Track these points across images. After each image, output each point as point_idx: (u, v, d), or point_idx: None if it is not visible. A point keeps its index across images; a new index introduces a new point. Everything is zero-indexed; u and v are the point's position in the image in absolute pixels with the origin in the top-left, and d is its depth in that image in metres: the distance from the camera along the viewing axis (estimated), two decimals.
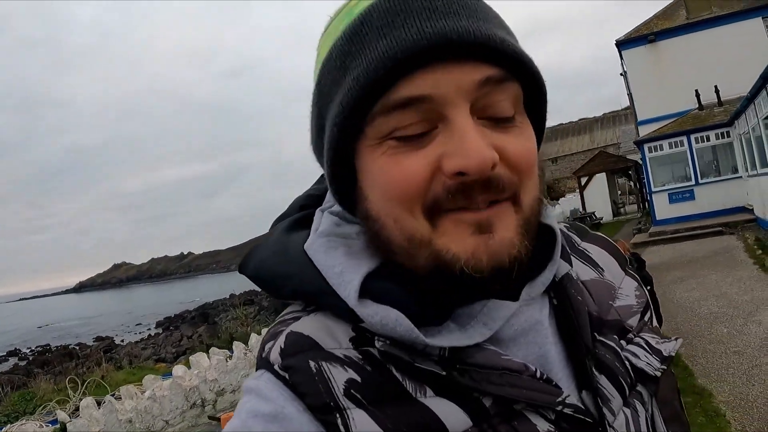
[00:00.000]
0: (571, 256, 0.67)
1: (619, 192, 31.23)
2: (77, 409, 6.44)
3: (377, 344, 0.52)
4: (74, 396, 7.80)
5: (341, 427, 0.49)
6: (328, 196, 0.65)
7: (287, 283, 0.58)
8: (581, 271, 0.67)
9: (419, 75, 0.48)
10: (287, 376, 0.51)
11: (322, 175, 0.70)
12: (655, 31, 19.35)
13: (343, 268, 0.54)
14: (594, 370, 0.58)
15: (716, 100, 17.51)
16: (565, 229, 0.73)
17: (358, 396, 0.50)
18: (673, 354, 0.63)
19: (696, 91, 17.70)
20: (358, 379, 0.51)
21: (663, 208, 17.34)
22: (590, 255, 0.71)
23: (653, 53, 19.21)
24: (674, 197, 17.23)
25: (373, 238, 0.55)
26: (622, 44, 19.92)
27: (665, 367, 0.62)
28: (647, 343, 0.63)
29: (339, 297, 0.53)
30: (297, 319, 0.56)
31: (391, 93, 0.48)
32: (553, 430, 0.53)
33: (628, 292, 0.69)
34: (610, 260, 0.72)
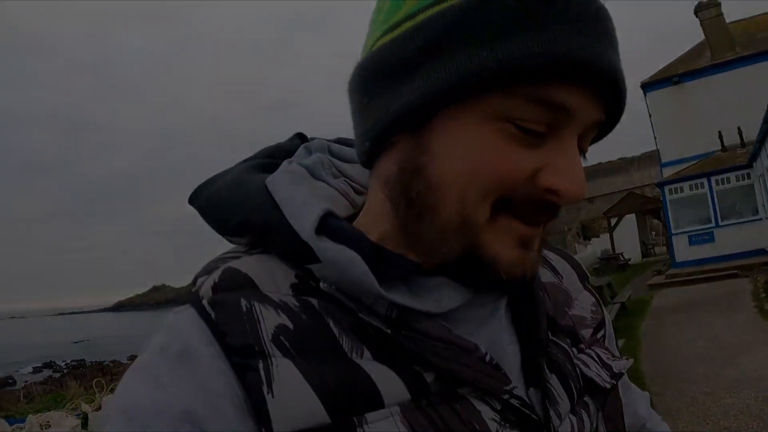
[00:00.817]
0: None
1: (653, 233, 30.70)
2: (101, 408, 7.01)
3: (322, 285, 0.49)
4: (99, 396, 8.41)
5: (262, 373, 0.43)
6: (300, 151, 0.63)
7: (238, 211, 0.54)
8: (541, 273, 0.66)
9: (576, 87, 0.45)
10: (213, 314, 0.46)
11: (295, 135, 0.68)
12: (680, 72, 19.48)
13: (305, 200, 0.51)
14: (545, 368, 0.56)
15: (739, 142, 17.47)
16: None
17: (287, 344, 0.45)
18: (623, 372, 0.63)
19: (719, 132, 17.68)
20: (291, 326, 0.46)
21: (683, 250, 17.18)
22: (551, 261, 0.71)
23: (678, 95, 19.29)
24: (694, 239, 17.08)
25: (409, 196, 0.50)
26: (647, 86, 20.09)
27: (614, 382, 0.61)
28: (598, 356, 0.62)
29: (289, 232, 0.50)
30: (237, 258, 0.52)
31: (548, 88, 0.45)
32: (498, 419, 0.49)
33: (584, 304, 0.68)
34: (569, 271, 0.71)
